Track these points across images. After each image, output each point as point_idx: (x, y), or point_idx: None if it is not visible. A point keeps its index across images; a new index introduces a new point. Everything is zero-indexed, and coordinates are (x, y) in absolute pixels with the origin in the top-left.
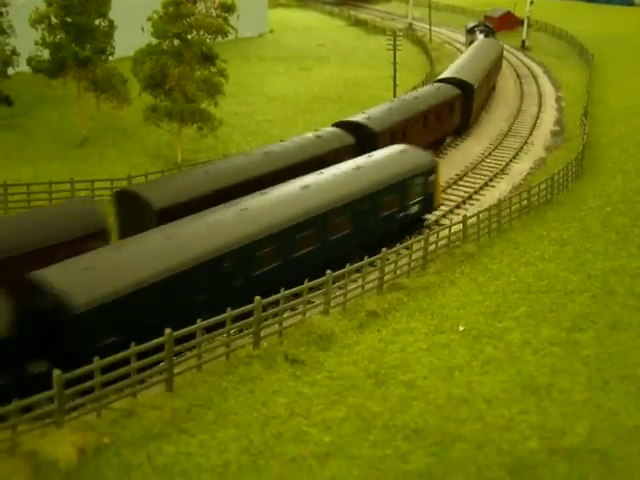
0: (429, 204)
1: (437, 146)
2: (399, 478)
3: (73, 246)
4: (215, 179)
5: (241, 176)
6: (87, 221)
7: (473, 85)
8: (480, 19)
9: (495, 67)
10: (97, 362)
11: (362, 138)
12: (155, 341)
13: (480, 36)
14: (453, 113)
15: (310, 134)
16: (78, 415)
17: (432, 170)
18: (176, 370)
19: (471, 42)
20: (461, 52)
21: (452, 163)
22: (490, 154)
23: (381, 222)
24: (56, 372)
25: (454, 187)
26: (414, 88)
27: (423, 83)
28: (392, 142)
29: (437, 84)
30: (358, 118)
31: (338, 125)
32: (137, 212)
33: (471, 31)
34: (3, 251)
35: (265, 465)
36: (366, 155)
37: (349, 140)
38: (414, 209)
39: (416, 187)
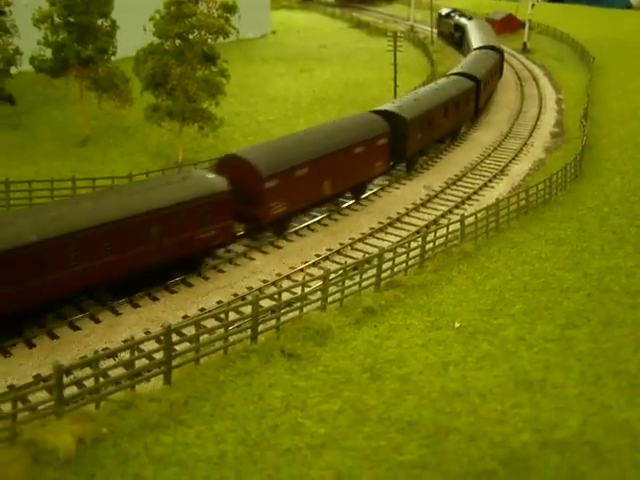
0: None
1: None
2: (393, 468)
3: (376, 140)
4: (423, 103)
5: (436, 101)
6: (379, 125)
7: (503, 51)
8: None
9: None
10: (96, 354)
11: (476, 83)
12: (153, 334)
13: (463, 19)
14: (498, 71)
15: (445, 78)
16: (77, 406)
17: None
18: (174, 363)
19: (456, 26)
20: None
21: (454, 162)
22: (490, 155)
23: None
24: (55, 363)
25: (453, 187)
26: (422, 83)
27: (423, 83)
28: (485, 87)
29: (484, 50)
30: (466, 70)
31: (457, 74)
32: (396, 123)
33: (447, 17)
34: (345, 142)
35: (261, 456)
36: None
37: (472, 84)
38: None
39: None
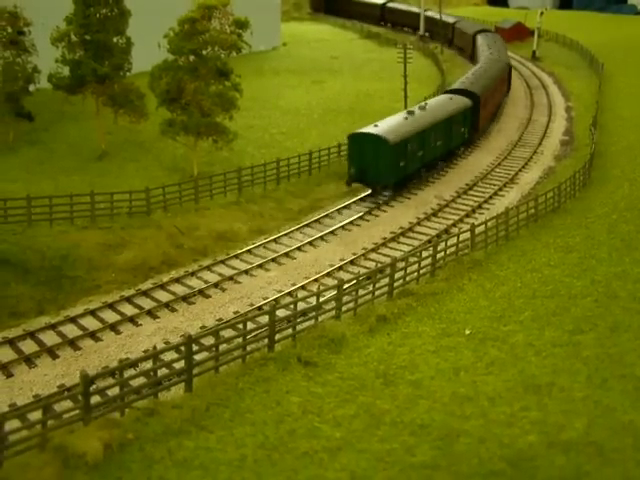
0: None
1: None
2: (405, 470)
3: None
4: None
5: None
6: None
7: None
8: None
9: None
10: (121, 364)
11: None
12: (174, 344)
13: None
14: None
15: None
16: (103, 413)
17: None
18: (195, 372)
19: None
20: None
21: (466, 170)
22: (500, 164)
23: None
24: (82, 372)
25: (464, 197)
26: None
27: (434, 94)
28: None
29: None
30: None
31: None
32: None
33: None
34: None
35: (280, 459)
36: None
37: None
38: None
39: None
